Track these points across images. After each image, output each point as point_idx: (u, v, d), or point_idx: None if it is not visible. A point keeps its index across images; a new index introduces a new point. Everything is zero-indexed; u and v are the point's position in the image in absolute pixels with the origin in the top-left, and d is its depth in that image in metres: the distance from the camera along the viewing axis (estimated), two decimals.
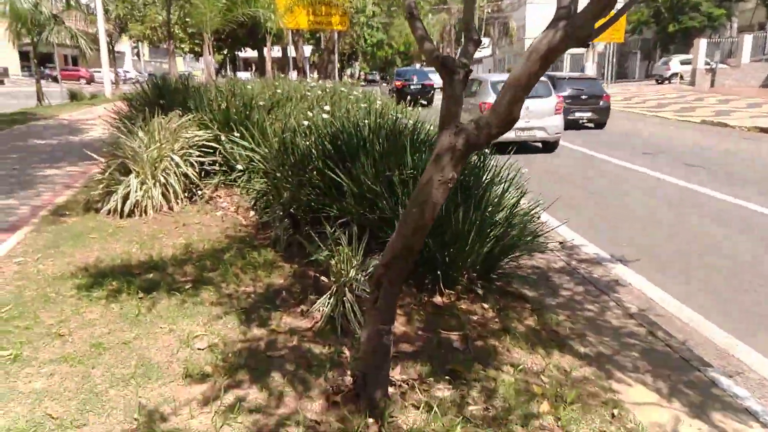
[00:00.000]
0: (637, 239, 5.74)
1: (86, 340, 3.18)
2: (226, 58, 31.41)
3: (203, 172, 6.00)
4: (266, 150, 5.43)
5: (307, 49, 28.24)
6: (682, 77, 30.40)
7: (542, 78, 7.61)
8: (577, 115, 14.36)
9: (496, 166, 4.48)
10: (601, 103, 14.51)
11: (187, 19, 15.52)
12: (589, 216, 6.49)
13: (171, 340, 3.19)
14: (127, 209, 5.37)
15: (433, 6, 23.42)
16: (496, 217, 4.09)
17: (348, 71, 55.90)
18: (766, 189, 7.85)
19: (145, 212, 5.44)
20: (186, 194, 5.77)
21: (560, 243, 5.12)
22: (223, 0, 11.09)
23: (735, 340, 3.65)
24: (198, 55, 28.61)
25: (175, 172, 5.55)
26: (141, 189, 5.45)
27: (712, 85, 28.15)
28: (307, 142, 5.16)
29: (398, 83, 22.27)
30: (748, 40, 29.63)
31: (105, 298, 3.68)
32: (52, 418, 2.50)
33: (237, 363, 2.96)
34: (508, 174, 4.44)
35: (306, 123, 5.65)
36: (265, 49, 18.58)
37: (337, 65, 17.49)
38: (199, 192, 5.86)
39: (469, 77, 2.38)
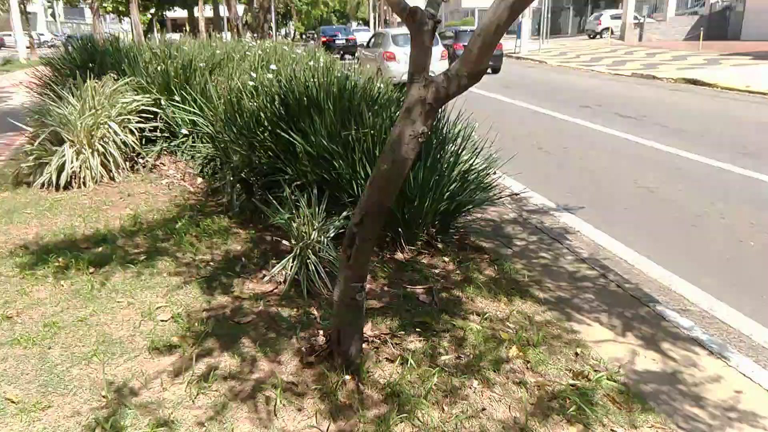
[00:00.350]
0: (579, 189, 5.97)
1: (37, 320, 3.02)
2: (153, 18, 29.48)
3: (144, 139, 5.69)
4: (211, 113, 5.21)
5: (240, 9, 26.97)
6: (612, 32, 31.30)
7: None
8: None
9: (448, 122, 4.50)
10: (496, 51, 15.78)
11: None
12: (533, 168, 6.67)
13: (131, 314, 3.07)
14: (63, 181, 5.05)
15: None
16: (452, 174, 4.13)
17: (283, 31, 54.07)
18: (695, 138, 8.31)
19: (84, 184, 5.14)
20: (127, 163, 5.48)
21: (515, 194, 5.24)
22: None
23: (676, 278, 3.91)
24: (122, 15, 26.72)
25: (114, 140, 5.24)
26: (77, 159, 5.13)
27: (640, 39, 29.19)
28: (255, 104, 4.99)
29: (324, 39, 26.35)
30: None
31: (52, 275, 3.48)
32: (12, 402, 2.38)
33: (204, 332, 2.90)
34: (460, 131, 4.47)
35: (251, 84, 5.45)
36: (196, 9, 17.57)
37: (274, 25, 16.82)
38: (142, 160, 5.58)
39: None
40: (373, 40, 17.53)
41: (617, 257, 4.27)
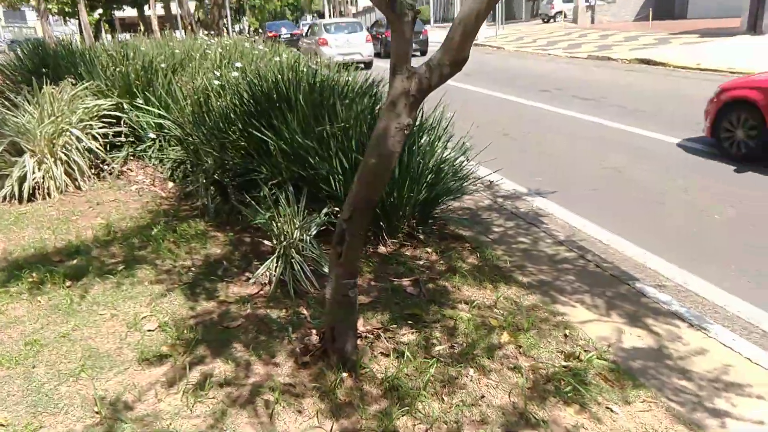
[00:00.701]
0: (548, 172, 6.10)
1: (17, 339, 2.91)
2: (101, 19, 28.39)
3: (109, 145, 5.51)
4: (178, 114, 5.08)
5: (191, 5, 26.31)
6: (566, 15, 31.83)
7: (356, 20, 16.36)
8: None
9: (422, 113, 4.51)
10: (422, 36, 21.59)
11: None
12: (501, 154, 6.76)
13: (116, 326, 3.00)
14: (26, 193, 4.86)
15: None
16: (429, 164, 4.15)
17: (237, 27, 53.02)
18: (651, 117, 8.57)
19: (49, 194, 4.95)
20: (93, 171, 5.30)
21: (490, 182, 5.31)
22: None
23: (649, 254, 4.05)
24: (68, 17, 25.64)
25: (77, 148, 5.05)
26: (39, 169, 4.93)
27: (592, 21, 29.83)
28: (223, 102, 4.90)
29: (270, 33, 27.20)
30: None
31: (27, 292, 3.36)
32: (2, 426, 2.29)
33: (194, 339, 2.85)
34: (433, 122, 4.49)
35: (217, 82, 5.34)
36: (147, 7, 17.02)
37: (229, 21, 16.46)
38: (108, 167, 5.41)
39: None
40: (309, 30, 20.89)
41: (592, 238, 4.39)
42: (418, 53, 21.23)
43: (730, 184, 5.41)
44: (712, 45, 16.35)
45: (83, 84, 5.60)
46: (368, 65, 17.41)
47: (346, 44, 17.80)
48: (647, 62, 14.83)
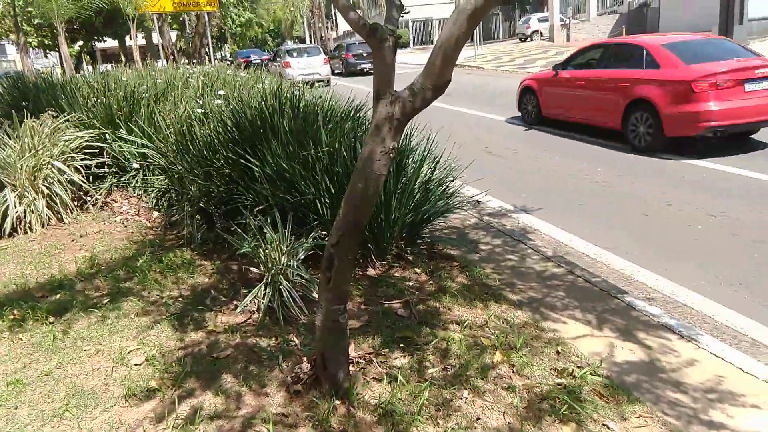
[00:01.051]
0: (532, 189, 6.15)
1: None
2: (82, 50, 28.36)
3: (92, 177, 5.45)
4: (161, 144, 5.06)
5: (173, 35, 26.44)
6: (542, 34, 32.51)
7: (315, 45, 18.10)
8: (362, 66, 24.66)
9: (407, 134, 4.53)
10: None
11: (29, 9, 13.69)
12: (487, 172, 6.81)
13: (101, 361, 2.92)
14: (7, 228, 4.77)
15: None
16: (415, 185, 4.17)
17: (218, 54, 53.32)
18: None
19: (31, 228, 4.86)
20: (76, 203, 5.23)
21: (477, 201, 5.34)
22: None
23: (636, 267, 4.08)
24: (48, 49, 25.57)
25: (59, 180, 4.99)
26: (21, 203, 4.86)
27: (568, 39, 30.47)
28: (207, 130, 4.89)
29: (242, 60, 29.87)
30: None
31: (8, 330, 3.27)
32: None
33: (182, 372, 2.79)
34: (418, 142, 4.51)
35: (200, 111, 5.34)
36: (128, 38, 17.07)
37: (211, 49, 16.57)
38: (91, 198, 5.34)
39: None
40: (276, 55, 24.64)
41: (579, 252, 4.42)
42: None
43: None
44: None
45: (64, 116, 5.56)
46: (327, 83, 20.28)
47: (306, 66, 21.12)
48: None
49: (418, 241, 4.32)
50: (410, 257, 4.06)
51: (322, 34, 55.58)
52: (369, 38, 2.29)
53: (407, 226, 4.13)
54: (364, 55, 24.74)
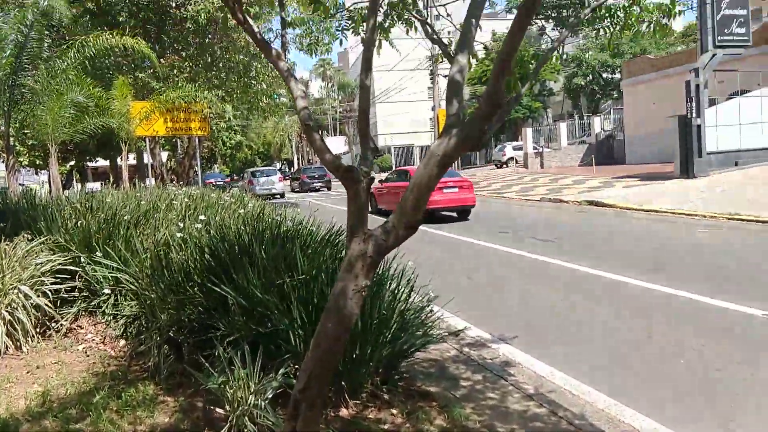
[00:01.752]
0: (512, 316, 6.09)
1: None
2: (72, 169, 29.07)
3: (60, 301, 5.28)
4: (136, 268, 4.98)
5: (164, 155, 27.39)
6: (516, 161, 34.35)
7: (272, 168, 26.93)
8: (314, 185, 34.26)
9: (386, 259, 4.54)
10: (326, 177, 34.36)
11: (25, 131, 14.22)
12: (465, 300, 6.78)
13: None
14: None
15: (288, 108, 24.45)
16: (393, 315, 4.09)
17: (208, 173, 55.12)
18: (612, 259, 8.90)
19: None
20: (39, 329, 5.01)
21: (456, 332, 5.24)
22: (71, 110, 10.34)
23: (622, 406, 3.92)
24: (38, 168, 26.16)
25: (23, 305, 4.81)
26: None
27: (541, 166, 32.24)
28: (184, 256, 4.85)
29: (208, 182, 34.42)
30: (563, 127, 34.99)
31: None
32: None
33: None
34: (394, 272, 4.49)
35: (179, 235, 5.34)
36: (119, 158, 17.62)
37: (200, 170, 17.14)
38: (56, 324, 5.13)
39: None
40: (243, 175, 33.93)
41: (561, 388, 4.26)
42: (325, 188, 34.32)
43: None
44: (651, 187, 17.68)
45: (39, 239, 5.51)
46: (282, 196, 28.86)
47: (266, 183, 29.28)
48: (596, 204, 15.78)
49: (396, 377, 4.14)
50: (386, 396, 3.86)
51: (310, 158, 58.25)
52: (344, 179, 2.37)
53: (384, 359, 3.98)
54: (316, 176, 34.71)
